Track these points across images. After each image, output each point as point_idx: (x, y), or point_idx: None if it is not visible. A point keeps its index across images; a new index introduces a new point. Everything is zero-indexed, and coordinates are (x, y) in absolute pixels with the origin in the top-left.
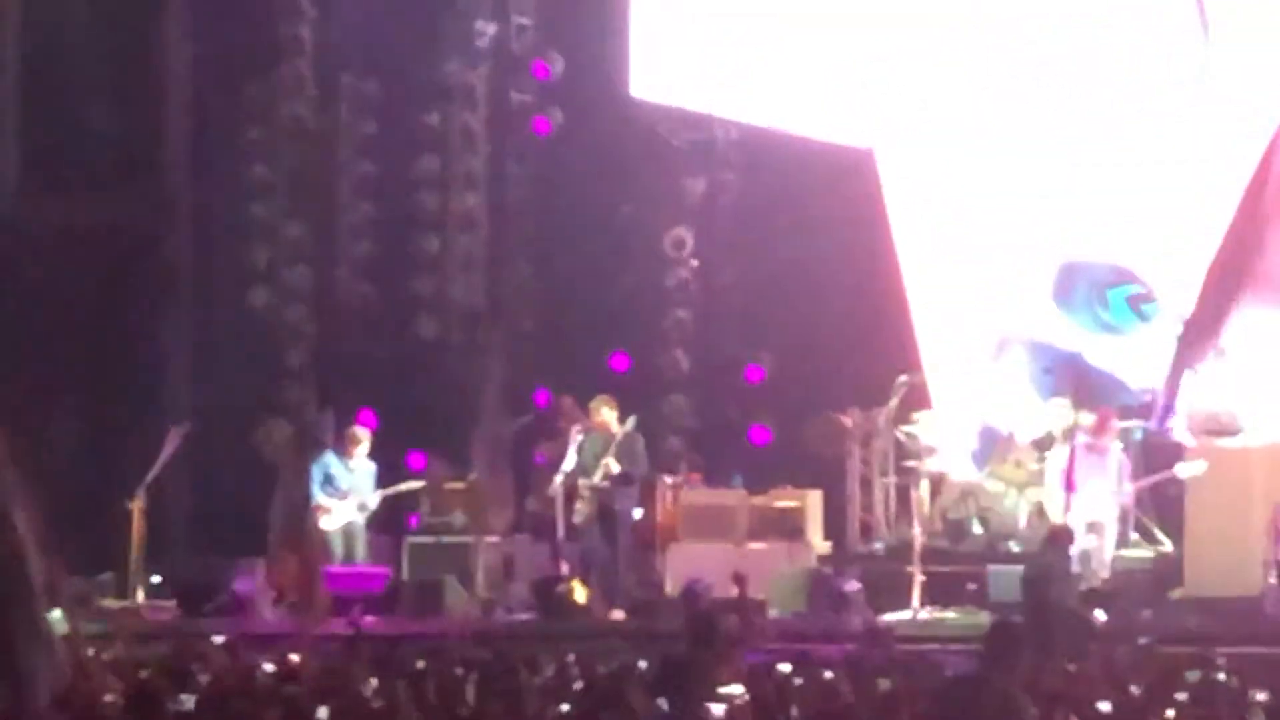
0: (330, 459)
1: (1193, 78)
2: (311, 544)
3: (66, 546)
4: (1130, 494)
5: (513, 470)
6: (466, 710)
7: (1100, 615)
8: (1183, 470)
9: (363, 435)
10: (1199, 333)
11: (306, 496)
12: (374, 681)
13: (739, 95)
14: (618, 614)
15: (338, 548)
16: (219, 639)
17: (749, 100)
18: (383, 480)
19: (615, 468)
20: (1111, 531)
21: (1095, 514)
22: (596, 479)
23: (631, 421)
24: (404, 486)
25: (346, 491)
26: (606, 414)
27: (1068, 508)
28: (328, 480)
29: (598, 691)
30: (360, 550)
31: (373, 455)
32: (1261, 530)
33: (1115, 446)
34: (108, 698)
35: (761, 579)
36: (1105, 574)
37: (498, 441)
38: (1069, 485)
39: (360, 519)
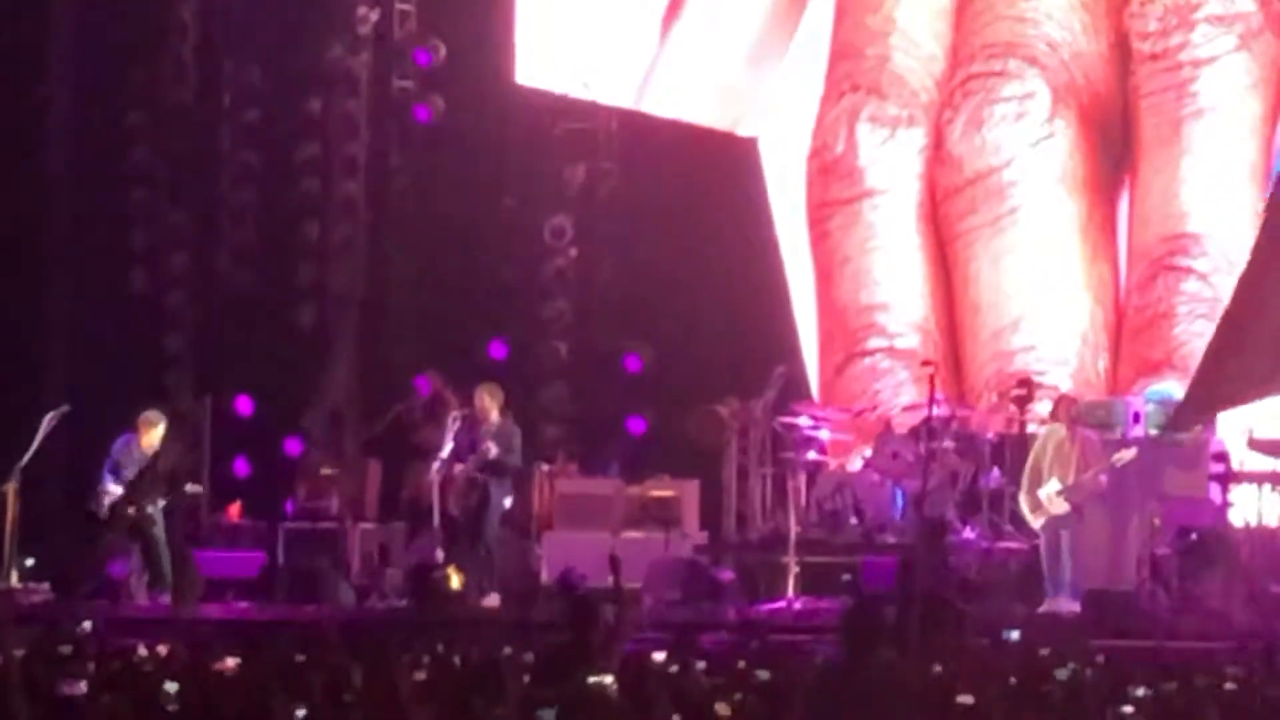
0: (120, 445)
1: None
2: None
3: None
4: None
5: (388, 456)
6: (347, 697)
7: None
8: (1119, 460)
9: (156, 420)
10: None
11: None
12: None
13: (623, 82)
14: (491, 601)
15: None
16: (88, 624)
17: (633, 87)
18: None
19: (493, 451)
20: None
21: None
22: (472, 464)
23: (508, 414)
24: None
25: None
26: (488, 402)
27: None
28: (117, 468)
29: (471, 678)
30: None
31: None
32: (1141, 524)
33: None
34: None
35: (637, 568)
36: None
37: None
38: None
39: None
